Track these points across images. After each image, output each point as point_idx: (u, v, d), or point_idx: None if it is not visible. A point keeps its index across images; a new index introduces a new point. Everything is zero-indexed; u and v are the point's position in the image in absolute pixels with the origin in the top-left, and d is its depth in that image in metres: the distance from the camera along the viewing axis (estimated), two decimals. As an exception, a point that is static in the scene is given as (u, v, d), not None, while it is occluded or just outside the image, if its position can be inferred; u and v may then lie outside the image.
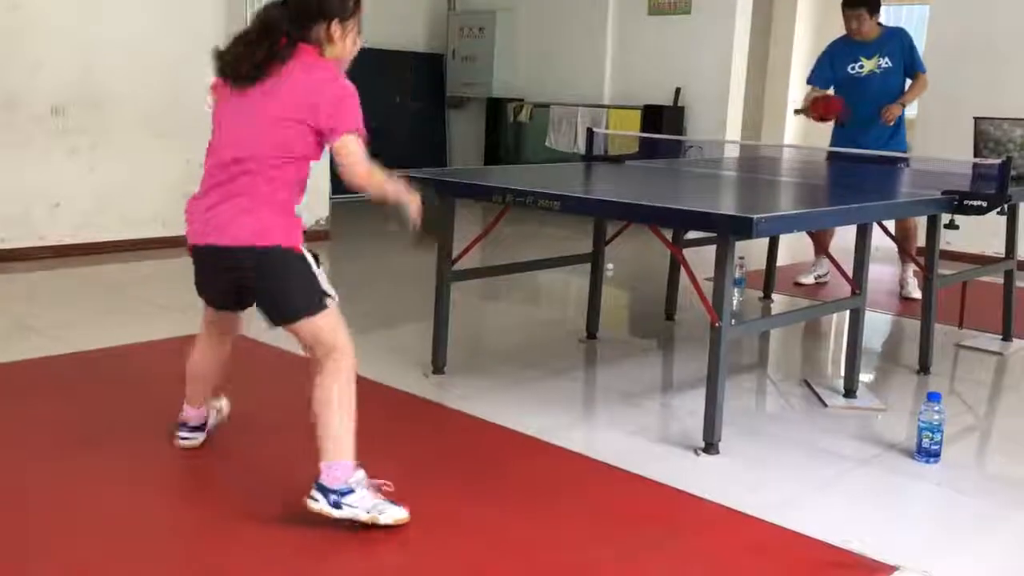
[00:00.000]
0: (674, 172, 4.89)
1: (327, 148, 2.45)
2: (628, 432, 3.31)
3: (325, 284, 2.49)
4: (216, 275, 2.60)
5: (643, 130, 7.97)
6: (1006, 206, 4.03)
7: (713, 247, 3.06)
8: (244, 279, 2.52)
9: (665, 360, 4.61)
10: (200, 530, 2.50)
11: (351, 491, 2.41)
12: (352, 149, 2.40)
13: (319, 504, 2.41)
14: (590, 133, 5.06)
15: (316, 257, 2.51)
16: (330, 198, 6.87)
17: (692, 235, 4.49)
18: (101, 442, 2.96)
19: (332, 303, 2.49)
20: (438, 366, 3.82)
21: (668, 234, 3.98)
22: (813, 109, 5.52)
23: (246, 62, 2.40)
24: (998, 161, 3.87)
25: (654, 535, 2.55)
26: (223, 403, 3.03)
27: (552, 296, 5.79)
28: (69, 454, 2.89)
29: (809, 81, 5.78)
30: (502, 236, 5.02)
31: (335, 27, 2.46)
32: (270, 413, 3.29)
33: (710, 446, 3.10)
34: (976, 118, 4.54)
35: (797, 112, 5.80)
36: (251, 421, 3.15)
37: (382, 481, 2.50)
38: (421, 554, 2.39)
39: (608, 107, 8.72)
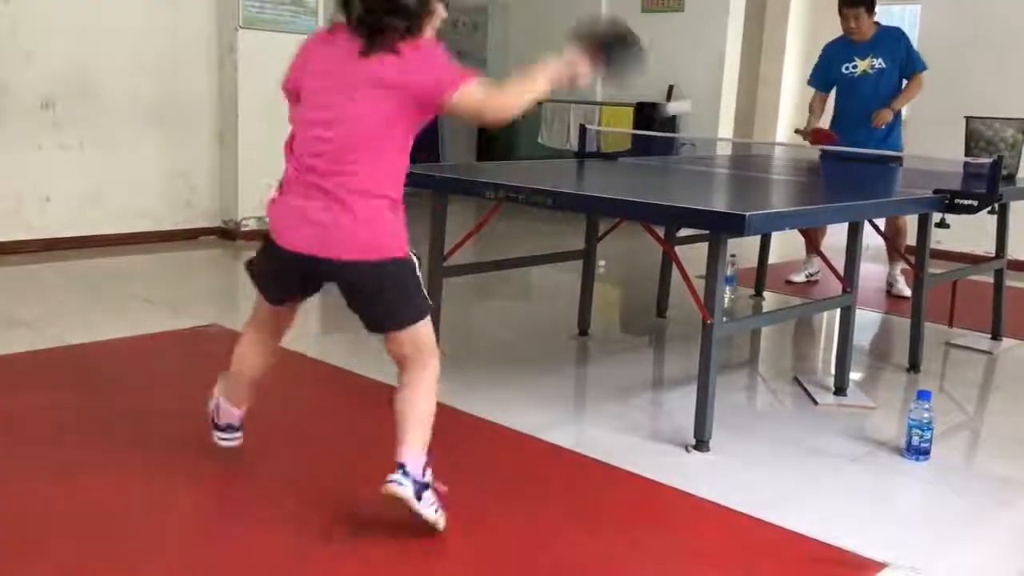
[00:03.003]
0: (666, 169, 4.89)
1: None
2: (619, 428, 3.31)
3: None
4: (298, 276, 2.46)
5: (636, 127, 7.97)
6: (996, 205, 4.05)
7: (705, 244, 3.06)
8: (351, 287, 2.40)
9: (656, 357, 4.62)
10: (187, 527, 2.49)
11: (428, 486, 2.33)
12: (471, 93, 2.32)
13: (405, 489, 2.26)
14: (583, 130, 5.07)
15: (419, 257, 2.40)
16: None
17: (684, 232, 4.50)
18: (86, 437, 2.95)
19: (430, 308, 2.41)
20: (429, 362, 3.80)
21: (660, 231, 3.98)
22: (812, 134, 5.53)
23: None
24: (989, 160, 3.89)
25: (644, 531, 2.55)
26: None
27: (544, 293, 5.79)
28: (54, 449, 2.87)
29: (810, 83, 5.79)
30: (494, 232, 5.02)
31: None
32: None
33: (701, 443, 3.10)
34: (967, 117, 4.55)
35: (797, 132, 5.78)
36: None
37: (440, 485, 2.42)
38: (407, 548, 2.37)
39: (601, 104, 8.72)
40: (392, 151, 2.32)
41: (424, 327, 2.41)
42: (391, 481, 2.26)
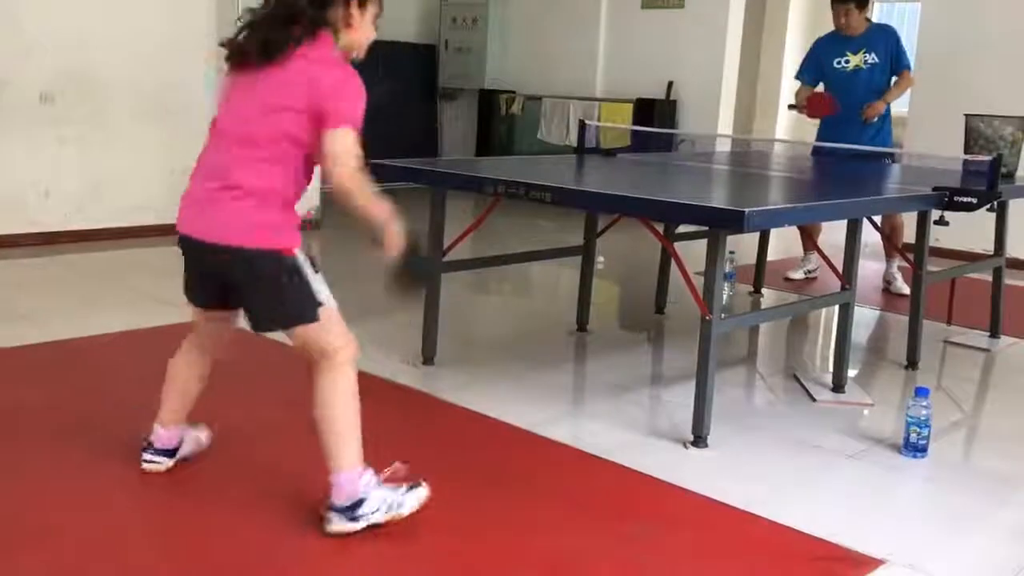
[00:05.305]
0: (666, 165, 4.89)
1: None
2: (617, 424, 3.31)
3: (319, 291, 2.34)
4: (200, 272, 2.49)
5: (635, 123, 7.98)
6: (995, 203, 4.05)
7: (704, 241, 3.07)
8: (230, 280, 2.39)
9: (655, 353, 4.62)
10: (180, 525, 2.48)
11: (363, 499, 2.34)
12: (348, 144, 2.23)
13: (336, 525, 2.33)
14: (582, 126, 5.06)
15: (313, 260, 2.35)
16: (321, 188, 6.85)
17: (683, 228, 4.50)
18: (87, 431, 2.94)
19: (325, 311, 2.34)
20: (428, 357, 3.82)
21: (659, 227, 3.98)
22: (808, 105, 5.56)
23: (253, 44, 2.28)
24: (988, 158, 3.89)
25: (642, 527, 2.56)
26: (203, 433, 2.77)
27: (543, 288, 5.79)
28: (53, 443, 2.86)
29: (797, 77, 5.81)
30: (493, 227, 5.02)
31: (354, 10, 2.33)
32: (263, 410, 3.28)
33: (699, 439, 3.11)
34: (967, 115, 4.55)
35: (791, 107, 5.83)
36: (245, 418, 3.14)
37: (392, 469, 2.43)
38: (405, 544, 2.38)
39: (600, 100, 8.72)
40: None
41: (314, 330, 2.33)
42: (324, 521, 2.36)
